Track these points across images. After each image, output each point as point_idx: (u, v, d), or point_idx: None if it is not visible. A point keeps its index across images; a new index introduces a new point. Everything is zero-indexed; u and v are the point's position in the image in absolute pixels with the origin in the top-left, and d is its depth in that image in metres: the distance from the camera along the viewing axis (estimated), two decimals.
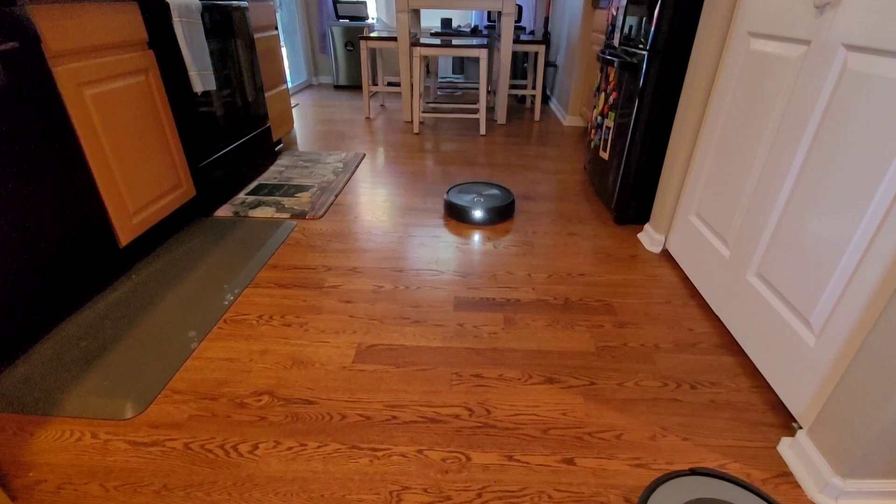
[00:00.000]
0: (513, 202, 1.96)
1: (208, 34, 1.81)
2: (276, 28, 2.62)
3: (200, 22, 1.70)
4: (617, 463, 0.94)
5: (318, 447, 0.97)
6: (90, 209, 1.33)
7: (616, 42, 1.95)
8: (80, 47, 1.26)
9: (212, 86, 1.79)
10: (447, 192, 2.02)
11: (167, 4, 1.55)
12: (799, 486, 0.90)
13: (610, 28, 2.04)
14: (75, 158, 1.27)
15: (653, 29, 1.58)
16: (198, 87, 1.72)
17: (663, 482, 0.86)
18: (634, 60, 1.71)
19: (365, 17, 4.56)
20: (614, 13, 1.98)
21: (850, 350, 0.87)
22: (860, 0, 0.88)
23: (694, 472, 0.88)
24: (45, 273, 1.21)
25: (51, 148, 1.19)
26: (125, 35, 1.43)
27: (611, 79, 1.96)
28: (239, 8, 2.06)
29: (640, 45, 1.67)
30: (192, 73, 1.68)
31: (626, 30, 1.84)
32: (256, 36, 2.33)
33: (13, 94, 1.08)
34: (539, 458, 0.95)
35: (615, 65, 1.84)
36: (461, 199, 1.92)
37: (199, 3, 1.70)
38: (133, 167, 1.48)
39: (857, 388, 0.82)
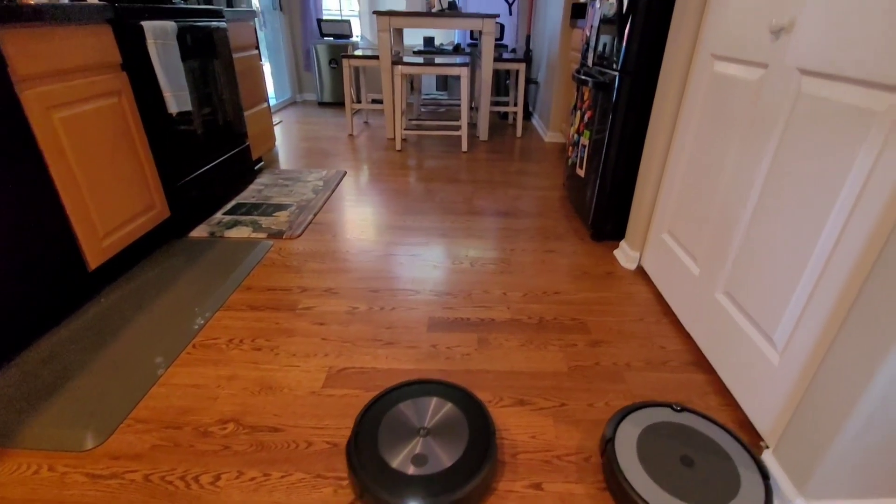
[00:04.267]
0: (488, 435, 0.96)
1: (185, 55, 1.82)
2: (257, 48, 2.64)
3: (176, 43, 1.70)
4: (584, 487, 0.93)
5: (282, 477, 0.95)
6: (57, 233, 1.31)
7: (590, 62, 1.99)
8: (50, 71, 1.26)
9: (187, 106, 1.78)
10: (359, 418, 0.97)
11: (141, 27, 1.55)
12: None
13: (585, 48, 2.08)
14: (42, 182, 1.25)
15: (623, 49, 1.61)
16: (173, 108, 1.71)
17: (637, 409, 0.99)
18: (607, 80, 1.74)
19: (349, 36, 4.61)
20: (588, 34, 2.02)
21: (811, 369, 0.88)
22: (813, 26, 0.91)
23: (664, 404, 1.02)
24: (7, 299, 1.18)
25: (16, 172, 1.18)
26: (97, 58, 1.43)
27: (586, 98, 1.99)
28: (218, 28, 2.07)
29: (613, 66, 1.70)
30: (167, 94, 1.68)
31: (599, 50, 1.88)
32: (236, 56, 2.34)
33: None
34: (507, 483, 0.94)
35: (589, 84, 1.87)
36: (388, 452, 0.91)
37: (175, 25, 1.71)
38: (104, 189, 1.47)
39: (818, 407, 0.82)
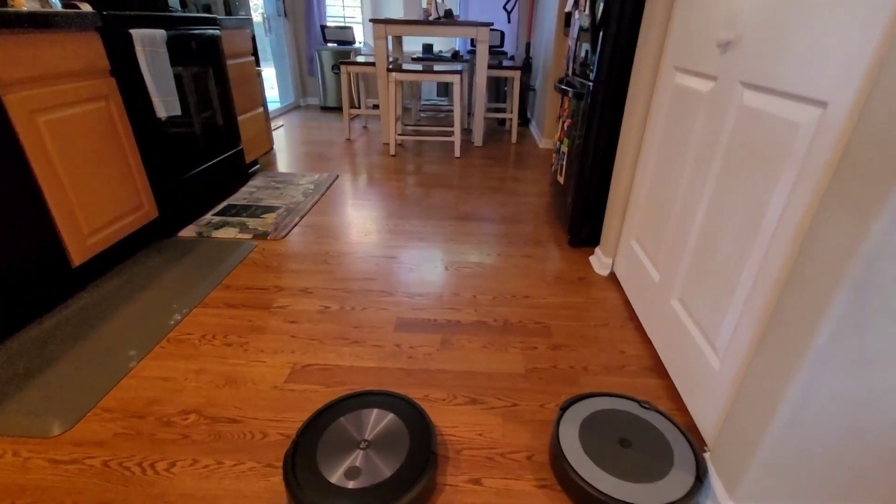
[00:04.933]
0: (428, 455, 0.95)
1: (176, 61, 1.88)
2: (253, 54, 2.71)
3: (165, 51, 1.77)
4: (522, 484, 0.95)
5: (234, 465, 0.99)
6: (40, 231, 1.38)
7: (570, 72, 2.02)
8: (35, 76, 1.32)
9: (176, 111, 1.85)
10: (298, 434, 0.97)
11: (130, 35, 1.62)
12: None
13: (567, 58, 2.11)
14: (25, 182, 1.32)
15: (596, 61, 1.64)
16: (161, 113, 1.78)
17: (579, 400, 1.06)
18: (583, 90, 1.77)
19: (352, 42, 4.69)
20: (570, 44, 2.05)
21: (743, 374, 0.90)
22: (753, 41, 0.93)
23: (606, 394, 1.09)
24: None
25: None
26: (84, 64, 1.49)
27: (566, 106, 2.02)
28: (210, 36, 2.14)
29: (588, 76, 1.74)
30: (156, 100, 1.75)
31: (578, 60, 1.91)
32: (230, 62, 2.41)
33: None
34: (448, 477, 0.97)
35: (570, 94, 1.90)
36: (327, 467, 0.91)
37: (165, 33, 1.78)
38: (89, 190, 1.53)
39: (744, 412, 0.84)
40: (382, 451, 0.94)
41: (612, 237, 1.71)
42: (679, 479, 0.90)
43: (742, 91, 0.97)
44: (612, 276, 1.75)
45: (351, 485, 0.87)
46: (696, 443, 0.96)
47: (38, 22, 1.31)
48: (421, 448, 0.95)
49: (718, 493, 0.89)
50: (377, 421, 1.01)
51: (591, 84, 1.69)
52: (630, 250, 1.57)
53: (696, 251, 1.12)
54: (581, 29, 1.84)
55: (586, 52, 1.79)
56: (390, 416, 1.02)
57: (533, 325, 1.45)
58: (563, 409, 1.04)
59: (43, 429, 1.05)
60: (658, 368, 1.28)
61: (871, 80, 0.64)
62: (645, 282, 1.42)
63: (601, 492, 0.87)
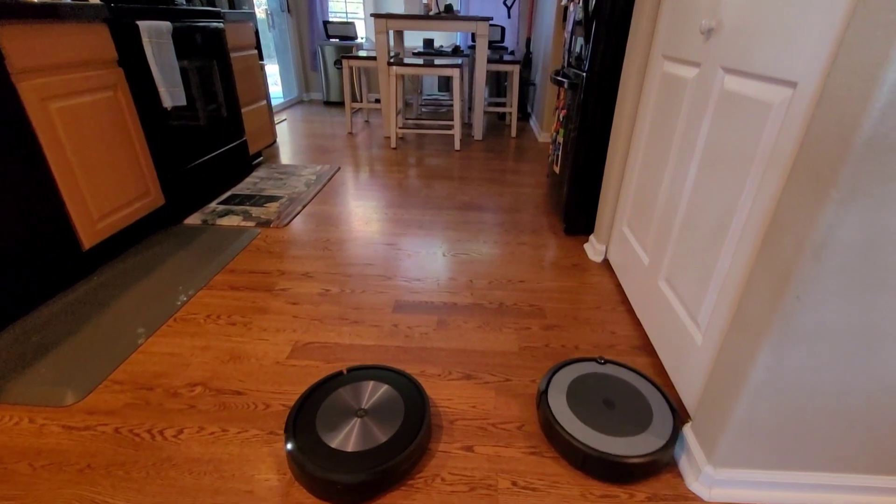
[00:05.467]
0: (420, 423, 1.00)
1: (182, 53, 1.93)
2: (257, 48, 2.76)
3: (171, 42, 1.82)
4: (512, 451, 1.00)
5: (238, 433, 1.04)
6: (53, 214, 1.43)
7: (566, 64, 2.06)
8: (47, 64, 1.38)
9: (181, 101, 1.90)
10: (297, 405, 1.01)
11: (137, 27, 1.67)
12: (680, 476, 0.96)
13: (564, 50, 2.15)
14: (38, 168, 1.37)
15: (590, 51, 1.68)
16: (167, 103, 1.83)
17: (567, 365, 1.15)
18: (577, 81, 1.82)
19: (354, 37, 4.73)
20: (566, 37, 2.09)
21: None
22: (733, 27, 0.98)
23: (592, 359, 1.18)
24: (5, 273, 1.30)
25: (13, 158, 1.29)
26: (93, 54, 1.55)
27: (561, 97, 2.06)
28: (215, 29, 2.19)
29: (582, 67, 1.78)
30: (162, 90, 1.80)
31: (573, 53, 1.95)
32: (234, 55, 2.46)
33: None
34: (442, 445, 1.01)
35: (565, 85, 1.94)
36: (327, 434, 0.96)
37: (171, 25, 1.83)
38: (98, 176, 1.59)
39: (719, 382, 0.89)
40: (378, 418, 0.99)
41: (605, 224, 1.75)
42: (657, 433, 0.98)
43: (723, 76, 1.01)
44: (606, 263, 1.79)
45: (350, 448, 0.92)
46: (671, 396, 1.05)
47: (50, 13, 1.36)
48: (415, 416, 1.00)
49: (698, 458, 0.93)
50: (373, 392, 1.06)
51: (584, 75, 1.73)
52: (622, 236, 1.61)
53: (681, 233, 1.16)
54: (575, 22, 1.88)
55: (580, 44, 1.83)
56: (385, 387, 1.07)
57: (527, 308, 1.50)
58: (551, 374, 1.12)
59: (57, 398, 1.11)
60: (647, 347, 1.33)
61: (833, 60, 0.68)
62: (635, 265, 1.46)
63: (593, 448, 0.94)
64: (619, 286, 1.63)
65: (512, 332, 1.39)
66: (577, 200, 1.93)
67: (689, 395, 1.07)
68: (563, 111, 2.00)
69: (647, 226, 1.39)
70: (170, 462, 0.97)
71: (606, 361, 1.16)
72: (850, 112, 0.61)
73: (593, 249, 1.83)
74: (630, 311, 1.50)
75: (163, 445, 1.00)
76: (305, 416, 0.99)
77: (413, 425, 0.98)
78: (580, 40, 1.85)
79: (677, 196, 1.19)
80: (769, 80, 0.85)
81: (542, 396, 1.05)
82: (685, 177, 1.15)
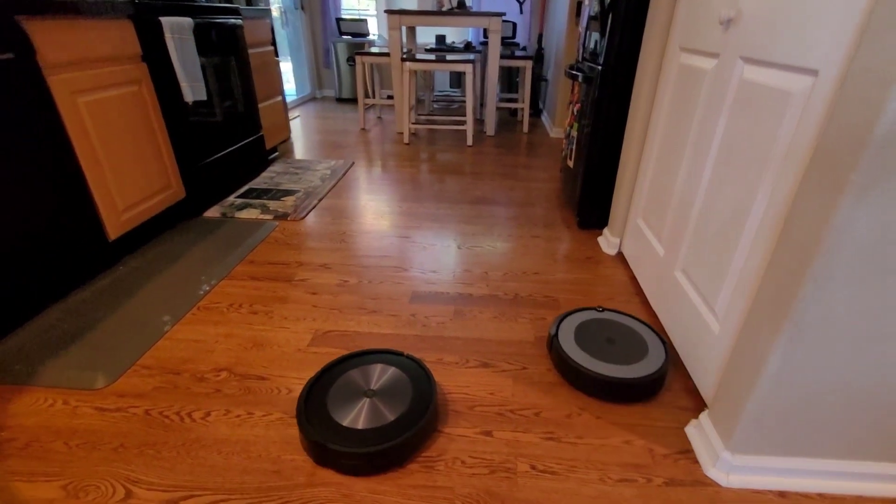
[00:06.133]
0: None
1: (202, 48, 1.97)
2: (273, 44, 2.80)
3: (192, 38, 1.86)
4: (530, 436, 1.02)
5: (264, 415, 1.07)
6: (80, 205, 1.47)
7: (581, 58, 2.07)
8: (75, 59, 1.42)
9: (202, 96, 1.94)
10: (308, 386, 1.06)
11: (160, 22, 1.71)
12: (697, 462, 0.98)
13: (578, 45, 2.16)
14: (67, 159, 1.41)
15: (605, 45, 1.69)
16: (189, 98, 1.87)
17: (571, 314, 1.32)
18: (592, 75, 1.82)
19: (366, 34, 4.76)
20: (581, 31, 2.10)
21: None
22: (753, 17, 0.98)
23: (592, 308, 1.35)
24: (36, 262, 1.34)
25: (44, 149, 1.34)
26: (119, 49, 1.59)
27: (575, 92, 2.07)
28: (233, 25, 2.23)
29: (598, 61, 1.78)
30: (184, 85, 1.84)
31: (588, 47, 1.95)
32: (251, 51, 2.50)
33: (7, 100, 1.23)
34: (461, 430, 1.04)
35: (579, 79, 1.95)
36: (338, 413, 1.00)
37: (192, 20, 1.86)
38: (123, 168, 1.63)
39: (737, 370, 0.90)
40: (387, 399, 1.03)
41: (619, 218, 1.76)
42: (652, 361, 1.15)
43: (742, 66, 1.02)
44: (620, 256, 1.80)
45: (360, 426, 0.96)
46: (662, 334, 1.31)
47: (78, 8, 1.40)
48: (422, 397, 1.04)
49: (716, 444, 0.95)
50: (381, 374, 1.10)
51: (600, 68, 1.74)
52: (636, 228, 1.62)
53: (698, 224, 1.17)
54: (590, 16, 1.89)
55: (595, 38, 1.83)
56: (392, 369, 1.12)
57: (542, 299, 1.51)
58: (558, 321, 1.28)
59: (89, 382, 1.15)
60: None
61: (856, 46, 0.69)
62: (650, 257, 1.47)
63: (601, 374, 1.10)
64: (633, 278, 1.64)
65: (527, 322, 1.40)
66: (590, 194, 1.94)
67: (705, 382, 1.08)
68: (578, 105, 2.01)
69: (663, 217, 1.39)
70: (199, 443, 1.00)
71: (605, 310, 1.34)
72: (874, 97, 0.62)
73: (607, 242, 1.84)
74: (644, 301, 1.51)
75: (191, 427, 1.04)
76: (317, 397, 1.03)
77: (420, 406, 1.01)
78: (594, 34, 1.85)
79: (694, 187, 1.20)
80: (790, 69, 0.86)
81: (554, 339, 1.22)
82: (702, 168, 1.16)
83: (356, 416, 0.99)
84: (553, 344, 1.22)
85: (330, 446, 0.91)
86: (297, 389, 1.14)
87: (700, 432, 1.01)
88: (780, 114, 0.86)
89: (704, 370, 1.09)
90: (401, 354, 1.16)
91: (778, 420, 0.87)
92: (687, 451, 1.00)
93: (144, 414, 1.07)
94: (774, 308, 0.79)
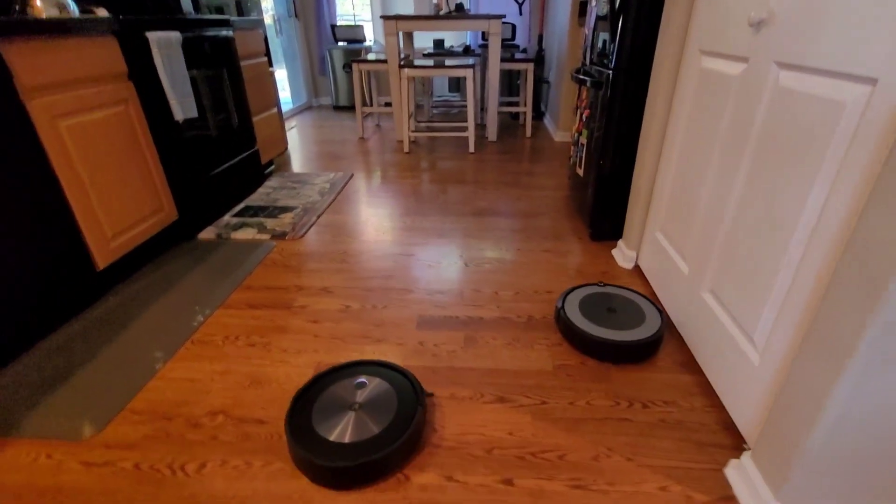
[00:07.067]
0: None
1: (191, 63, 1.89)
2: (266, 55, 2.71)
3: (181, 53, 1.78)
4: (556, 484, 0.93)
5: (263, 466, 0.98)
6: (66, 235, 1.39)
7: (588, 61, 1.98)
8: (56, 81, 1.33)
9: (193, 113, 1.85)
10: (292, 404, 1.04)
11: (146, 38, 1.63)
12: None
13: (584, 47, 2.07)
14: (50, 187, 1.33)
15: (616, 48, 1.60)
16: (178, 115, 1.78)
17: (574, 289, 1.46)
18: (603, 79, 1.73)
19: (362, 40, 4.68)
20: (587, 33, 2.01)
21: (787, 369, 0.86)
22: (788, 19, 0.89)
23: (594, 284, 1.50)
24: (18, 298, 1.26)
25: (24, 177, 1.25)
26: (103, 68, 1.50)
27: (584, 97, 1.98)
28: (224, 38, 2.14)
29: (608, 64, 1.69)
30: (173, 102, 1.75)
31: (595, 49, 1.87)
32: (244, 63, 2.42)
33: None
34: (478, 477, 0.95)
35: (587, 83, 1.86)
36: (324, 428, 0.99)
37: (180, 35, 1.78)
38: (111, 193, 1.54)
39: (790, 410, 0.81)
40: (373, 411, 1.03)
41: (635, 229, 1.67)
42: (649, 327, 1.28)
43: (777, 72, 0.93)
44: (637, 269, 1.71)
45: (347, 439, 0.96)
46: (659, 305, 1.44)
47: (59, 28, 1.32)
48: (408, 406, 1.04)
49: (763, 493, 0.85)
50: (366, 386, 1.10)
51: (610, 72, 1.65)
52: (655, 242, 1.53)
53: (728, 242, 1.08)
54: (598, 17, 1.80)
55: (604, 40, 1.74)
56: (377, 380, 1.11)
57: None
58: (564, 296, 1.42)
59: (74, 432, 1.06)
60: (690, 364, 1.24)
61: None
62: (673, 274, 1.38)
63: (605, 338, 1.24)
64: (652, 294, 1.55)
65: (544, 348, 1.31)
66: (603, 204, 1.85)
67: (744, 419, 0.99)
68: (587, 111, 1.92)
69: (686, 232, 1.30)
70: (193, 500, 0.91)
71: (606, 284, 1.48)
72: None
73: (623, 255, 1.75)
74: (668, 321, 1.41)
75: (185, 482, 0.95)
76: (302, 412, 1.03)
77: (406, 416, 1.01)
78: (603, 36, 1.76)
79: (722, 201, 1.11)
80: (839, 76, 0.77)
81: (560, 311, 1.35)
82: (732, 180, 1.07)
83: (342, 430, 0.99)
84: (560, 315, 1.34)
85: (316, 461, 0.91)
86: None
87: (742, 476, 0.91)
88: (830, 126, 0.77)
89: (742, 405, 1.00)
90: (385, 365, 1.16)
91: (839, 466, 0.78)
92: (729, 499, 0.90)
93: (134, 468, 0.98)
94: (837, 340, 0.70)
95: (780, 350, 0.89)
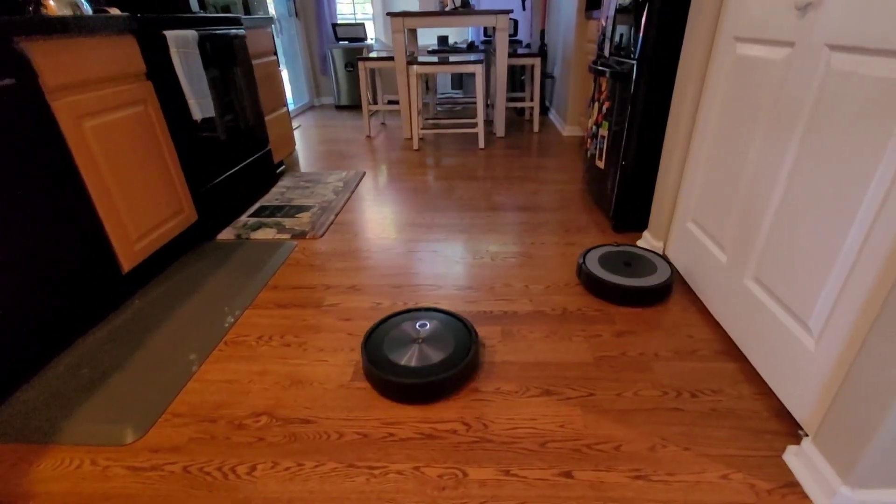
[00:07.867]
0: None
1: (206, 62, 1.86)
2: (275, 53, 2.68)
3: (198, 52, 1.75)
4: (615, 475, 0.92)
5: (315, 466, 0.96)
6: (92, 238, 1.36)
7: (607, 52, 1.97)
8: (78, 81, 1.31)
9: (210, 113, 1.83)
10: (367, 335, 1.23)
11: (164, 37, 1.60)
12: (807, 497, 0.88)
13: (601, 38, 2.06)
14: (76, 188, 1.30)
15: (640, 38, 1.59)
16: (197, 115, 1.76)
17: (592, 249, 1.66)
18: (625, 70, 1.72)
19: (363, 38, 4.65)
20: (604, 24, 2.00)
21: (850, 353, 0.86)
22: (839, 1, 0.88)
23: (609, 244, 1.70)
24: (47, 303, 1.23)
25: (51, 179, 1.23)
26: (123, 68, 1.47)
27: (603, 89, 1.97)
28: (237, 36, 2.12)
29: (630, 55, 1.68)
30: (191, 102, 1.73)
31: (615, 40, 1.86)
32: (255, 62, 2.39)
33: (11, 128, 1.12)
34: (536, 471, 0.93)
35: (607, 75, 1.85)
36: (394, 355, 1.17)
37: (196, 33, 1.75)
38: (134, 195, 1.52)
39: (859, 393, 0.80)
40: (433, 345, 1.21)
41: (662, 220, 1.66)
42: (660, 276, 1.48)
43: (829, 54, 0.92)
44: None
45: (414, 364, 1.14)
46: (668, 259, 1.65)
47: (80, 27, 1.29)
48: (462, 343, 1.21)
49: (830, 478, 0.85)
50: (427, 326, 1.28)
51: (633, 63, 1.64)
52: (686, 232, 1.52)
53: (774, 228, 1.07)
54: (619, 7, 1.79)
55: (625, 31, 1.73)
56: (436, 323, 1.29)
57: (593, 313, 1.41)
58: (584, 254, 1.62)
59: (117, 437, 1.04)
60: (731, 352, 1.24)
61: None
62: (708, 263, 1.37)
63: (624, 285, 1.43)
64: (683, 284, 1.54)
65: (582, 340, 1.30)
66: (626, 196, 1.84)
67: (799, 405, 0.98)
68: (607, 103, 1.91)
69: (723, 221, 1.29)
70: (248, 503, 0.89)
71: (620, 244, 1.68)
72: None
73: (648, 246, 1.74)
74: (703, 310, 1.41)
75: (237, 485, 0.93)
76: (375, 343, 1.22)
77: (461, 351, 1.19)
78: (623, 28, 1.75)
79: (766, 190, 1.10)
80: None
81: (582, 266, 1.55)
82: (778, 168, 1.06)
83: (409, 358, 1.17)
84: (582, 269, 1.54)
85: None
86: (348, 433, 1.04)
87: (805, 462, 0.91)
88: (894, 108, 0.76)
89: (798, 391, 0.99)
90: (443, 312, 1.34)
91: None
92: (792, 485, 0.90)
93: (183, 472, 0.96)
94: None
95: (839, 335, 0.88)
